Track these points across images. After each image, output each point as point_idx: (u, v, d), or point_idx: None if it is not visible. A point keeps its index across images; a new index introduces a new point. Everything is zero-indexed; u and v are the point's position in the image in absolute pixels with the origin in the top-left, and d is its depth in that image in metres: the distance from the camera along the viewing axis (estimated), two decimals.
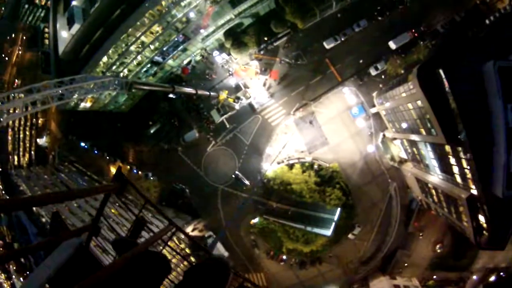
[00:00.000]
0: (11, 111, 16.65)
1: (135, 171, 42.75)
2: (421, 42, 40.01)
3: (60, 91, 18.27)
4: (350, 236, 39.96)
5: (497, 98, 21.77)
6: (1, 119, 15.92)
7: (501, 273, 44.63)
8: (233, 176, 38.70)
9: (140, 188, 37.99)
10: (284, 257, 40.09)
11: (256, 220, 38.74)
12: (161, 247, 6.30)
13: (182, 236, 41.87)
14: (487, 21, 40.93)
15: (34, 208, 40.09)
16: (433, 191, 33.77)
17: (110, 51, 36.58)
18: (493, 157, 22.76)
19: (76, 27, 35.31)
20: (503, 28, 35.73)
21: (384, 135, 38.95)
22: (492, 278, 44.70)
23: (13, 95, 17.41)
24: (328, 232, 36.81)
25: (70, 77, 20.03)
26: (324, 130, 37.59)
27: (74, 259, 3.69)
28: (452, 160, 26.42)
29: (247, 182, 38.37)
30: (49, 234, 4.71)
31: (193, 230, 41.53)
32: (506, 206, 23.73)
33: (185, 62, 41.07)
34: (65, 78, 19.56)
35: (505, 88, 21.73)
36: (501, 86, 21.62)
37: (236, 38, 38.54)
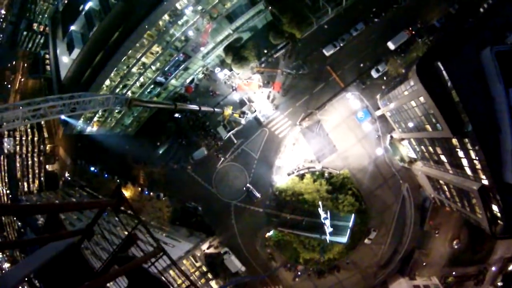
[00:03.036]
0: (12, 120, 17.36)
1: (146, 192, 42.96)
2: (419, 39, 40.06)
3: (59, 105, 19.07)
4: (366, 241, 39.62)
5: (497, 83, 21.71)
6: (1, 125, 16.68)
7: None
8: (245, 189, 38.72)
9: (152, 209, 37.73)
10: (299, 273, 39.75)
11: (271, 233, 38.64)
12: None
13: (198, 254, 41.95)
14: (481, 10, 41.07)
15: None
16: (445, 187, 33.49)
17: (112, 74, 36.94)
18: (500, 144, 22.50)
19: (76, 52, 35.74)
20: (497, 13, 35.74)
21: (391, 137, 38.78)
22: (511, 267, 43.96)
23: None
24: (344, 239, 36.51)
25: (69, 94, 20.53)
26: (331, 138, 37.53)
27: (64, 256, 3.88)
28: (461, 153, 26.27)
29: (258, 195, 38.36)
30: (43, 230, 4.82)
31: (208, 247, 41.50)
32: None
33: (188, 81, 41.41)
34: (64, 95, 20.15)
35: (505, 72, 21.64)
36: (500, 71, 21.60)
37: (236, 53, 38.83)
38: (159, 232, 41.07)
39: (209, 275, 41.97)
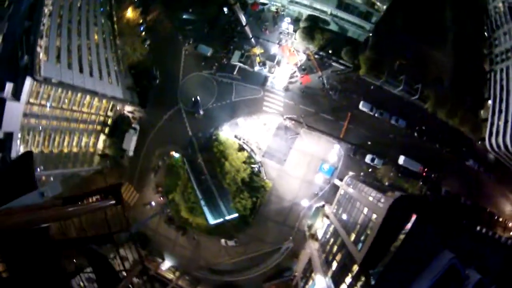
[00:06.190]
0: None
1: (141, 28, 41.59)
2: (420, 182, 39.99)
3: None
4: (222, 241, 39.66)
5: (428, 280, 21.14)
6: None
7: None
8: (193, 99, 37.90)
9: (130, 41, 36.53)
10: (152, 206, 39.29)
11: (176, 155, 38.14)
12: None
13: (118, 108, 40.72)
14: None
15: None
16: (311, 281, 33.71)
17: None
18: None
19: None
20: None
21: (323, 206, 38.88)
22: None
23: None
24: (211, 220, 36.37)
25: None
26: (291, 153, 37.29)
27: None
28: (348, 279, 26.06)
29: (201, 112, 37.77)
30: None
31: (128, 112, 40.71)
32: None
33: (261, 0, 40.07)
34: None
35: (443, 280, 21.09)
36: (440, 277, 21.06)
37: (312, 27, 37.87)
38: (113, 64, 39.25)
39: (106, 130, 41.07)
